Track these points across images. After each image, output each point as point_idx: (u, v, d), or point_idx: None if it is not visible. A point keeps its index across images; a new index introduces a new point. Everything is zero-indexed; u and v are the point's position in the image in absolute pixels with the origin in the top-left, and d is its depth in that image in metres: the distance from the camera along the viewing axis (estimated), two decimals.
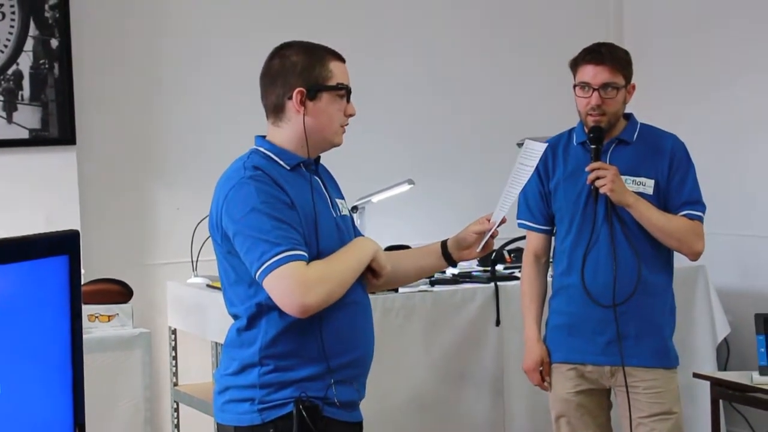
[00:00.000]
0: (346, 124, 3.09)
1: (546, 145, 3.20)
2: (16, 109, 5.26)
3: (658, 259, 3.98)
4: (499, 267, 5.29)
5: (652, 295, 3.97)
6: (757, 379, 4.87)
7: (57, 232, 1.92)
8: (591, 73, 3.92)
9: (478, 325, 5.00)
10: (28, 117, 5.27)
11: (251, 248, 2.90)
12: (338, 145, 3.10)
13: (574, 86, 3.99)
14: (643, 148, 3.98)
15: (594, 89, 3.91)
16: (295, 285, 2.87)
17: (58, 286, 1.90)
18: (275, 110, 3.06)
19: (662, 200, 3.95)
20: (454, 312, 4.97)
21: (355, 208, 5.33)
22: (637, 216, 3.89)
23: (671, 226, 3.91)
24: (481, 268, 5.29)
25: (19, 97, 5.26)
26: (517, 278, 5.20)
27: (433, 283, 5.04)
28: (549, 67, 6.32)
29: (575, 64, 4.00)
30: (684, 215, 3.94)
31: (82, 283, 4.65)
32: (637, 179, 3.95)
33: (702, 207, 3.99)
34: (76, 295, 1.93)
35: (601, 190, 3.87)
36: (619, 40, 6.38)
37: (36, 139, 5.29)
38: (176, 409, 5.39)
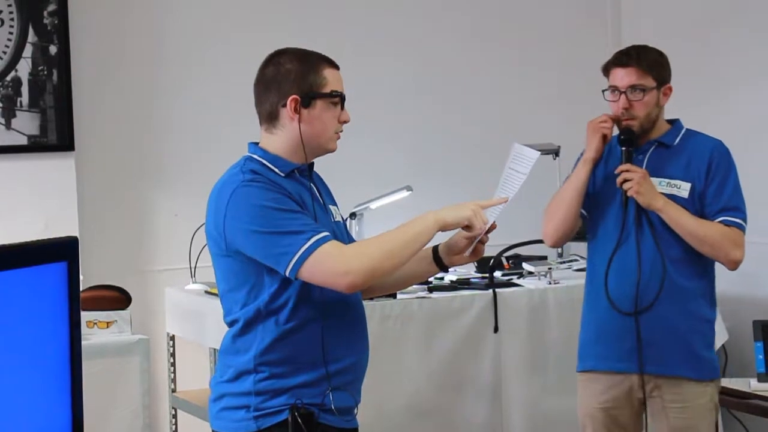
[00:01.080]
0: (341, 131, 3.10)
1: (539, 153, 3.13)
2: (14, 115, 5.26)
3: (692, 265, 3.86)
4: (497, 273, 5.28)
5: (681, 302, 3.84)
6: (755, 385, 4.87)
7: (56, 238, 1.92)
8: (618, 76, 3.89)
9: (476, 332, 4.99)
10: (26, 123, 5.28)
11: (274, 245, 2.89)
12: (332, 151, 3.10)
13: (604, 90, 3.94)
14: (683, 151, 3.91)
15: (621, 92, 3.87)
16: (335, 263, 2.87)
17: (56, 293, 1.90)
18: (269, 117, 3.07)
19: (699, 205, 3.85)
20: (452, 319, 4.96)
21: (353, 215, 5.33)
22: (667, 220, 3.80)
23: (703, 232, 3.80)
24: (479, 275, 5.29)
25: (18, 104, 5.27)
26: (515, 285, 5.21)
27: (431, 290, 5.04)
28: (547, 73, 6.34)
29: (606, 69, 3.95)
30: (720, 221, 3.83)
31: (81, 289, 4.65)
32: (672, 182, 3.87)
33: (741, 215, 3.88)
34: (75, 302, 1.93)
35: (628, 193, 3.80)
36: (617, 45, 6.39)
37: (35, 146, 5.30)
38: (174, 416, 5.39)
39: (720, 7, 5.98)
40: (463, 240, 3.13)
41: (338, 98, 3.06)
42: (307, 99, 3.02)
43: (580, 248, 5.34)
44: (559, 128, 6.09)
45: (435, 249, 3.19)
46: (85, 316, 4.85)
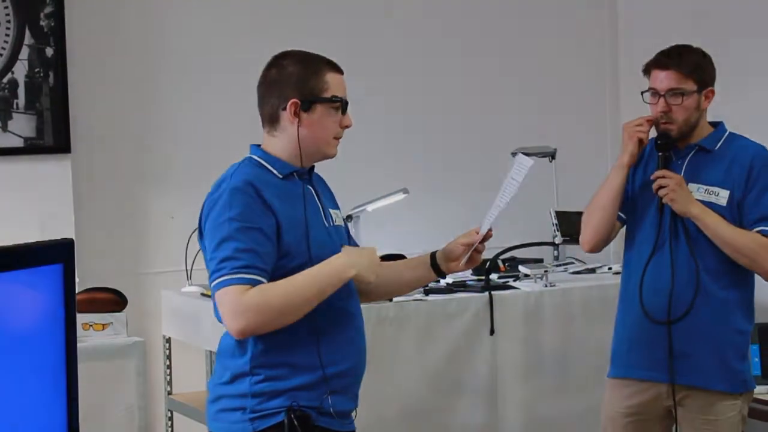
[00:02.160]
0: (341, 136, 3.09)
1: (533, 161, 3.09)
2: (11, 117, 5.26)
3: (728, 275, 3.72)
4: (494, 276, 5.28)
5: (715, 313, 3.72)
6: None
7: (51, 240, 1.92)
8: (658, 79, 3.73)
9: (472, 335, 4.99)
10: (23, 125, 5.27)
11: (209, 262, 2.98)
12: (332, 156, 3.10)
13: (643, 92, 3.80)
14: (724, 157, 3.75)
15: (660, 95, 3.72)
16: (226, 310, 2.91)
17: (52, 295, 1.90)
18: (270, 120, 3.07)
19: (737, 213, 3.71)
20: (448, 321, 4.96)
21: (350, 217, 5.33)
22: (703, 228, 3.66)
23: (740, 242, 3.66)
24: (475, 278, 5.28)
25: (14, 106, 5.26)
26: (511, 287, 5.21)
27: (427, 293, 5.04)
28: (544, 76, 6.33)
29: (647, 70, 3.79)
30: (758, 231, 3.67)
31: (77, 291, 4.64)
32: (710, 189, 3.72)
33: None
34: (71, 304, 1.93)
35: (663, 200, 3.69)
36: (614, 47, 6.39)
37: (31, 148, 5.29)
38: (170, 418, 5.38)
39: (720, 7, 5.98)
40: (460, 247, 3.14)
41: (339, 103, 3.05)
42: (308, 103, 3.02)
43: (576, 250, 5.35)
44: (556, 131, 6.09)
45: (433, 255, 3.19)
46: (81, 318, 4.85)
